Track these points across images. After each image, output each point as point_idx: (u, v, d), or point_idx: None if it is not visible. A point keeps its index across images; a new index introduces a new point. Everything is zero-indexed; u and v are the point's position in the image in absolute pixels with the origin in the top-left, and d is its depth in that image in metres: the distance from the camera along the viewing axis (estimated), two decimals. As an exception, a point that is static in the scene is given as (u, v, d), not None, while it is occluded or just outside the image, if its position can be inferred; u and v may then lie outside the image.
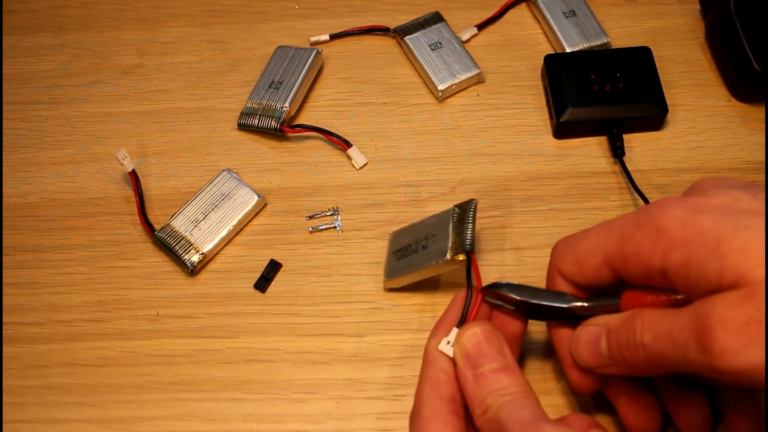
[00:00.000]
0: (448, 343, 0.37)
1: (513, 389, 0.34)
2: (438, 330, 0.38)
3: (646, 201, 0.48)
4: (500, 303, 0.39)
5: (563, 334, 0.38)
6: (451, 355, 0.37)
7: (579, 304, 0.37)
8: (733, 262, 0.30)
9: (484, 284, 0.40)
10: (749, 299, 0.29)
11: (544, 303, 0.38)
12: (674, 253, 0.32)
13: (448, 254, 0.41)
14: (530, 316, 0.39)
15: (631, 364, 0.34)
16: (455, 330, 0.37)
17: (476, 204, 0.42)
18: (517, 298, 0.38)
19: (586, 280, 0.37)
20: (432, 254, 0.43)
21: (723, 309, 0.30)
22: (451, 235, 0.42)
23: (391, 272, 0.46)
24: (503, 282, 0.39)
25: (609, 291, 0.37)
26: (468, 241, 0.41)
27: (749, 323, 0.29)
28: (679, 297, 0.33)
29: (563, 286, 0.38)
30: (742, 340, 0.29)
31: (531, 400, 0.34)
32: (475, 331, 0.37)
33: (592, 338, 0.36)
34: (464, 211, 0.42)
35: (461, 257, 0.41)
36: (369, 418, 0.43)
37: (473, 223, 0.42)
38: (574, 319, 0.37)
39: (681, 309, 0.32)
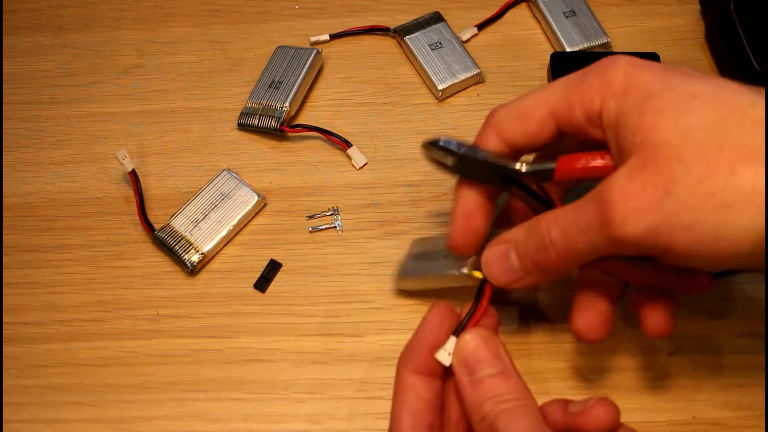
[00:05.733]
0: (446, 352, 0.36)
1: (510, 395, 0.34)
2: (411, 354, 0.37)
3: None
4: (439, 159, 0.38)
5: (470, 199, 0.38)
6: (446, 364, 0.36)
7: (518, 166, 0.37)
8: (648, 121, 0.30)
9: (489, 310, 0.39)
10: (649, 163, 0.30)
11: (485, 159, 0.37)
12: (611, 101, 0.33)
13: (465, 268, 0.41)
14: (464, 173, 0.38)
15: (543, 267, 0.35)
16: (453, 338, 0.36)
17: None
18: (459, 152, 0.38)
19: (525, 137, 0.36)
20: (450, 264, 0.42)
21: (622, 179, 0.30)
22: (475, 255, 0.42)
23: (405, 272, 0.46)
24: (444, 137, 0.38)
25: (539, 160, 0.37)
26: (483, 269, 0.40)
27: (645, 187, 0.30)
28: (609, 160, 0.33)
29: (494, 146, 0.37)
30: (639, 204, 0.30)
31: (529, 408, 0.34)
32: (472, 337, 0.36)
33: (501, 255, 0.36)
34: (490, 234, 0.43)
35: (478, 275, 0.41)
36: (369, 418, 0.43)
37: None
38: (506, 182, 0.37)
39: (584, 199, 0.32)
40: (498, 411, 0.33)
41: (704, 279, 0.37)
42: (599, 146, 0.35)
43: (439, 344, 0.36)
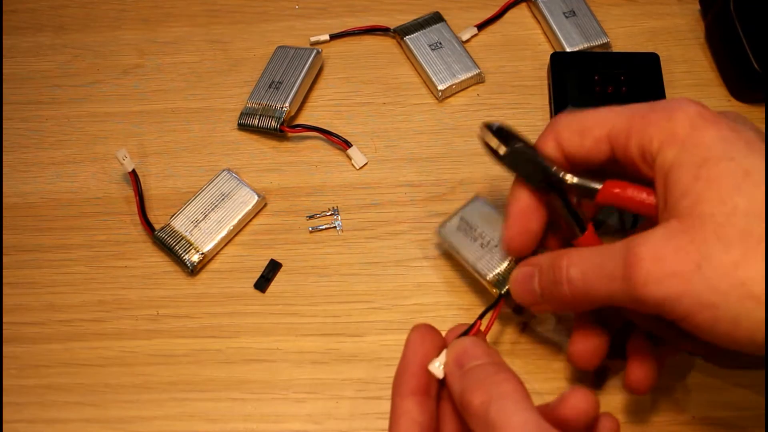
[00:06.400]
0: (438, 364, 0.36)
1: (501, 381, 0.33)
2: (401, 378, 0.37)
3: None
4: (492, 145, 0.38)
5: (523, 201, 0.39)
6: (440, 376, 0.36)
7: (566, 177, 0.37)
8: (699, 187, 0.30)
9: (492, 327, 0.40)
10: (689, 231, 0.30)
11: (536, 160, 0.37)
12: (669, 150, 0.32)
13: (490, 276, 0.42)
14: (513, 166, 0.38)
15: (558, 300, 0.35)
16: (445, 351, 0.37)
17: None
18: (516, 145, 0.38)
19: (581, 151, 0.37)
20: (481, 261, 0.43)
21: (658, 238, 0.30)
22: (506, 265, 0.42)
23: (447, 233, 0.45)
24: (504, 125, 0.39)
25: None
26: (508, 287, 0.41)
27: (677, 254, 0.29)
28: (653, 200, 0.33)
29: (552, 152, 0.38)
30: (667, 270, 0.30)
31: (523, 398, 0.33)
32: (462, 340, 0.37)
33: (526, 277, 0.37)
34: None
35: (495, 291, 0.42)
36: (369, 418, 0.43)
37: None
38: (549, 188, 0.37)
39: (614, 243, 0.32)
40: (490, 399, 0.32)
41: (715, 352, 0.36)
42: (646, 182, 0.35)
43: (426, 362, 0.36)
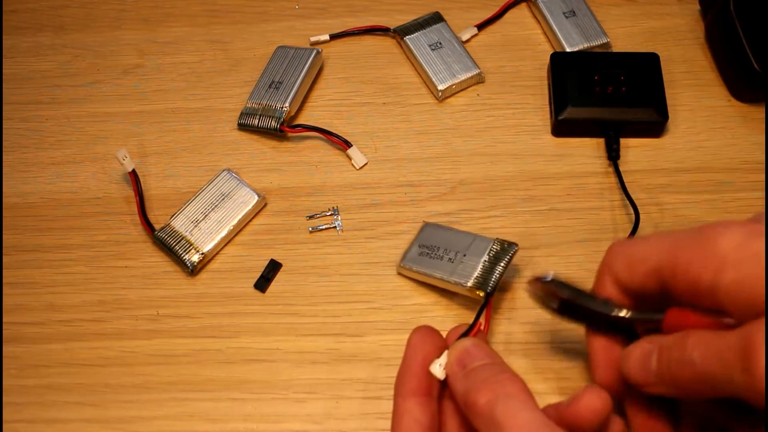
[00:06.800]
0: (439, 365, 0.36)
1: (505, 380, 0.34)
2: (402, 378, 0.37)
3: (634, 205, 0.48)
4: (543, 298, 0.38)
5: (599, 341, 0.38)
6: (441, 377, 0.36)
7: (622, 313, 0.36)
8: None
9: (489, 327, 0.40)
10: None
11: (589, 306, 0.37)
12: (727, 273, 0.31)
13: (469, 282, 0.42)
14: (570, 316, 0.38)
15: (678, 382, 0.33)
16: (446, 353, 0.37)
17: (516, 251, 0.43)
18: (565, 296, 0.37)
19: (634, 285, 0.36)
20: (455, 273, 0.43)
21: None
22: (480, 267, 0.43)
23: (410, 261, 0.46)
24: (552, 276, 0.38)
25: (654, 304, 0.36)
26: (492, 284, 0.42)
27: None
28: (725, 320, 0.32)
29: (609, 287, 0.37)
30: None
31: (525, 394, 0.33)
32: (462, 341, 0.37)
33: (644, 354, 0.35)
34: (503, 252, 0.43)
35: (480, 293, 0.42)
36: (369, 418, 0.43)
37: (506, 268, 0.43)
38: (613, 327, 0.37)
39: (730, 331, 0.31)
40: (496, 398, 0.32)
41: None
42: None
43: (428, 363, 0.37)
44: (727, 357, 0.30)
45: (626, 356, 0.36)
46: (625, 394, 0.38)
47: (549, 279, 0.38)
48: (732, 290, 0.31)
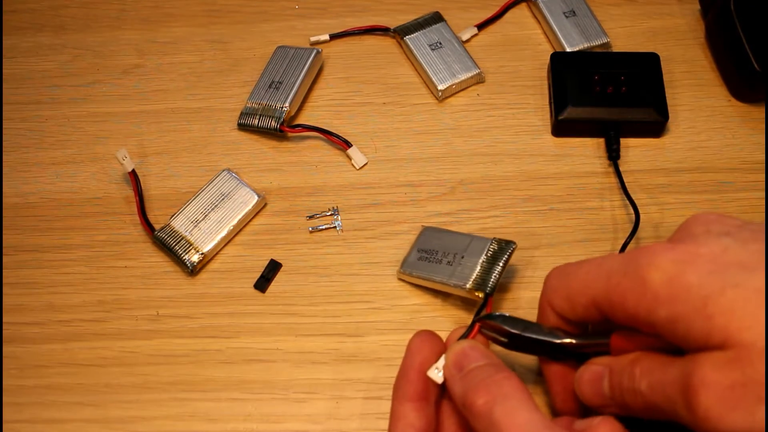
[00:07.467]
0: (437, 370, 0.36)
1: (500, 377, 0.34)
2: (400, 383, 0.37)
3: (634, 205, 0.48)
4: (494, 335, 0.38)
5: (554, 369, 0.38)
6: (439, 381, 0.36)
7: (569, 340, 0.37)
8: (719, 323, 0.29)
9: (479, 337, 0.39)
10: (735, 362, 0.29)
11: (536, 337, 0.37)
12: (660, 310, 0.31)
13: (468, 284, 0.42)
14: (521, 349, 0.38)
15: (631, 409, 0.34)
16: (443, 357, 0.37)
17: (514, 249, 0.43)
18: (511, 330, 0.37)
19: (576, 317, 0.36)
20: (454, 275, 0.43)
21: (708, 370, 0.29)
22: (478, 268, 0.43)
23: (409, 267, 0.46)
24: (498, 314, 0.39)
25: (603, 325, 0.36)
26: (491, 284, 0.42)
27: (733, 387, 0.28)
28: (666, 342, 0.32)
29: (554, 320, 0.37)
30: (725, 405, 0.29)
31: (524, 394, 0.33)
32: (459, 343, 0.37)
33: (595, 377, 0.35)
34: (501, 251, 0.43)
35: (479, 294, 0.42)
36: (369, 418, 0.43)
37: (503, 267, 0.42)
38: (564, 354, 0.37)
39: (673, 361, 0.31)
40: (494, 399, 0.32)
41: None
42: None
43: (425, 367, 0.37)
44: (670, 392, 0.31)
45: (578, 379, 0.36)
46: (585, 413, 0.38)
47: (496, 315, 0.38)
48: (668, 327, 0.31)
